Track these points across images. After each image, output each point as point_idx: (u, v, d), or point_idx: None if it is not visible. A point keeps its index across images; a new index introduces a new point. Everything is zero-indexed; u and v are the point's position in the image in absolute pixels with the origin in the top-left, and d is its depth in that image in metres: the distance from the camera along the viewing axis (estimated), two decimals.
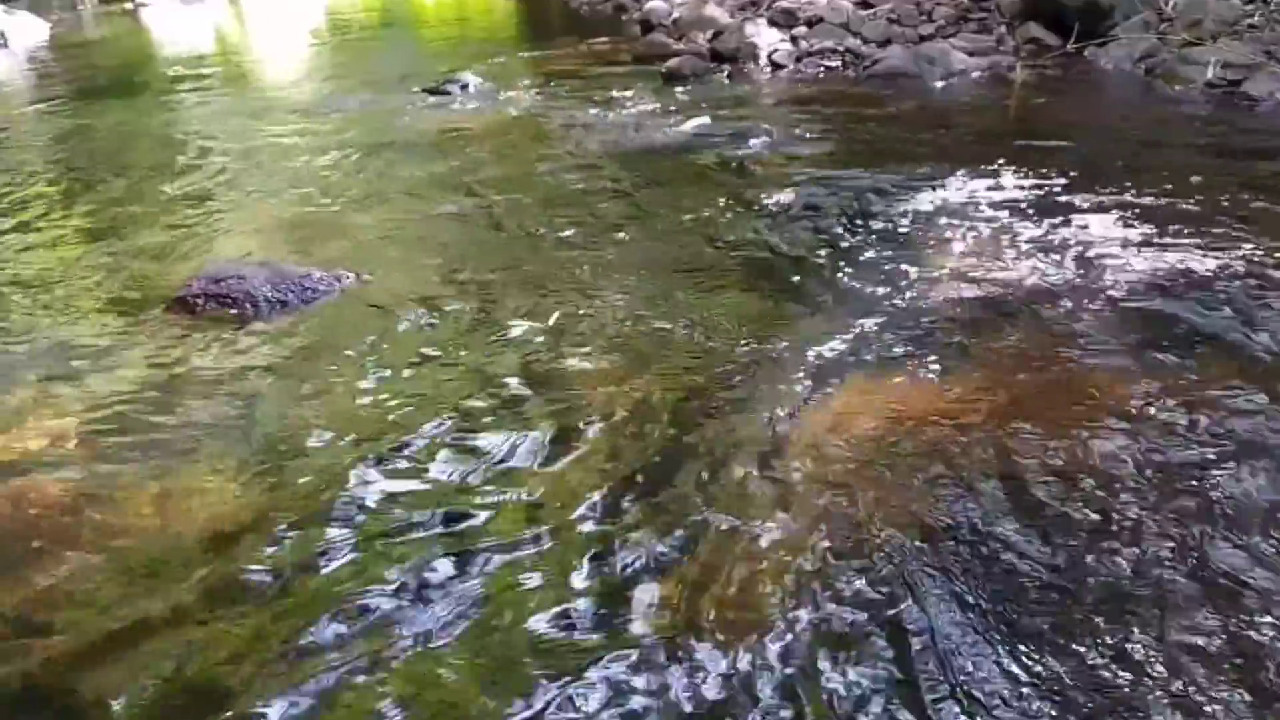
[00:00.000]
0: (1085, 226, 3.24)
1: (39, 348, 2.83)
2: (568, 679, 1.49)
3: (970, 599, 1.61)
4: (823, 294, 2.89)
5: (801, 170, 4.19)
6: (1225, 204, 3.37)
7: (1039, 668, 1.46)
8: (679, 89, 6.11)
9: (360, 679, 1.53)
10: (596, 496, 1.94)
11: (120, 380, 2.57)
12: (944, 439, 2.06)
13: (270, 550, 1.85)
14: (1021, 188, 3.69)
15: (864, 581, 1.67)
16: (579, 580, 1.72)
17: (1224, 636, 1.50)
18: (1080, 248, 3.08)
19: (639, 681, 1.49)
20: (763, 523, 1.83)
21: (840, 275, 3.01)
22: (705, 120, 5.13)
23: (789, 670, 1.50)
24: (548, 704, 1.45)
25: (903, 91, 5.65)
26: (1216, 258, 2.90)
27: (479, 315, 2.88)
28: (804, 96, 5.81)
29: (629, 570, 1.74)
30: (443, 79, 6.49)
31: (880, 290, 2.86)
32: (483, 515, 1.92)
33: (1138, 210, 3.35)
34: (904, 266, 3.02)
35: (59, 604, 1.74)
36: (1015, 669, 1.46)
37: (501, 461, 2.10)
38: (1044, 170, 3.82)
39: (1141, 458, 1.96)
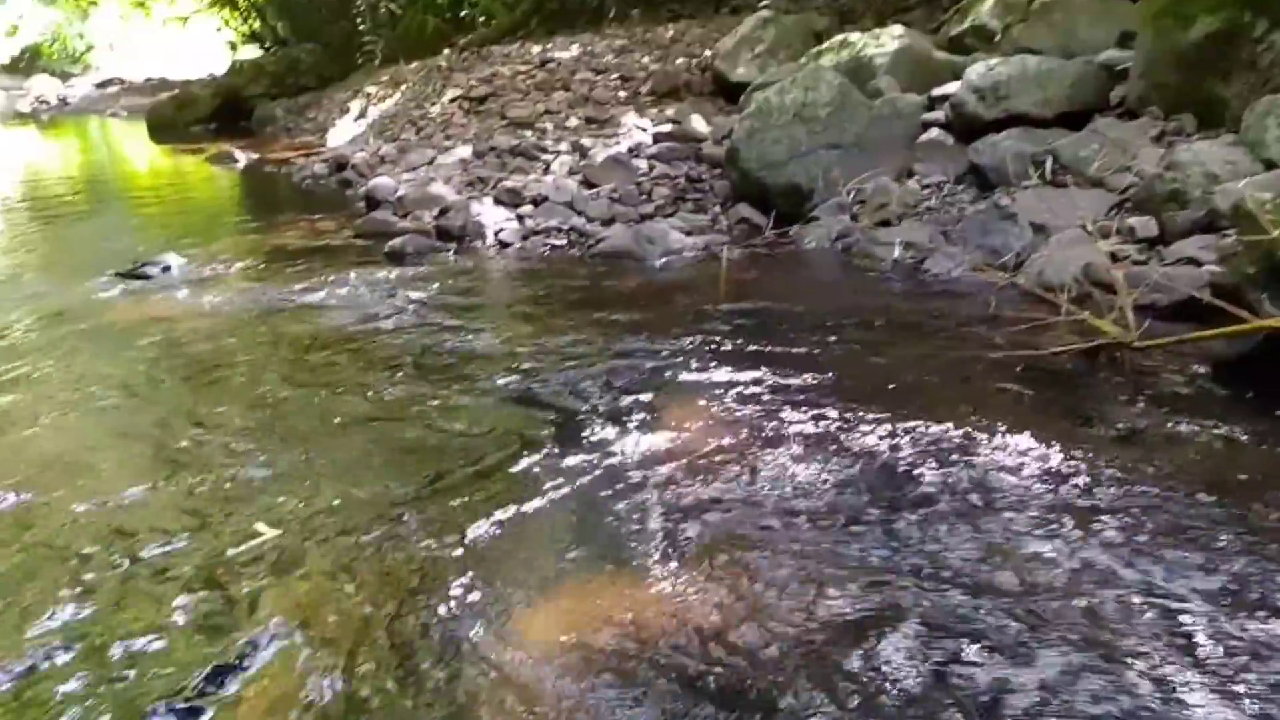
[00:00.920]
0: (774, 400, 3.38)
1: None
2: None
3: None
4: (534, 482, 2.79)
5: (524, 350, 4.12)
6: (896, 375, 3.62)
7: None
8: (401, 269, 5.94)
9: None
10: None
11: None
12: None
13: None
14: (725, 363, 3.79)
15: None
16: None
17: None
18: (768, 421, 3.20)
19: None
20: None
21: (555, 460, 2.94)
22: (425, 300, 4.98)
23: None
24: None
25: (625, 270, 5.74)
26: (881, 426, 3.06)
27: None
28: (529, 275, 5.79)
29: None
30: (142, 261, 5.99)
31: (591, 476, 2.79)
32: None
33: (822, 383, 3.54)
34: (614, 449, 3.00)
35: None
36: None
37: None
38: (745, 345, 3.98)
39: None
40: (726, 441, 3.10)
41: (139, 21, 28.42)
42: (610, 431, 3.22)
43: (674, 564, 2.41)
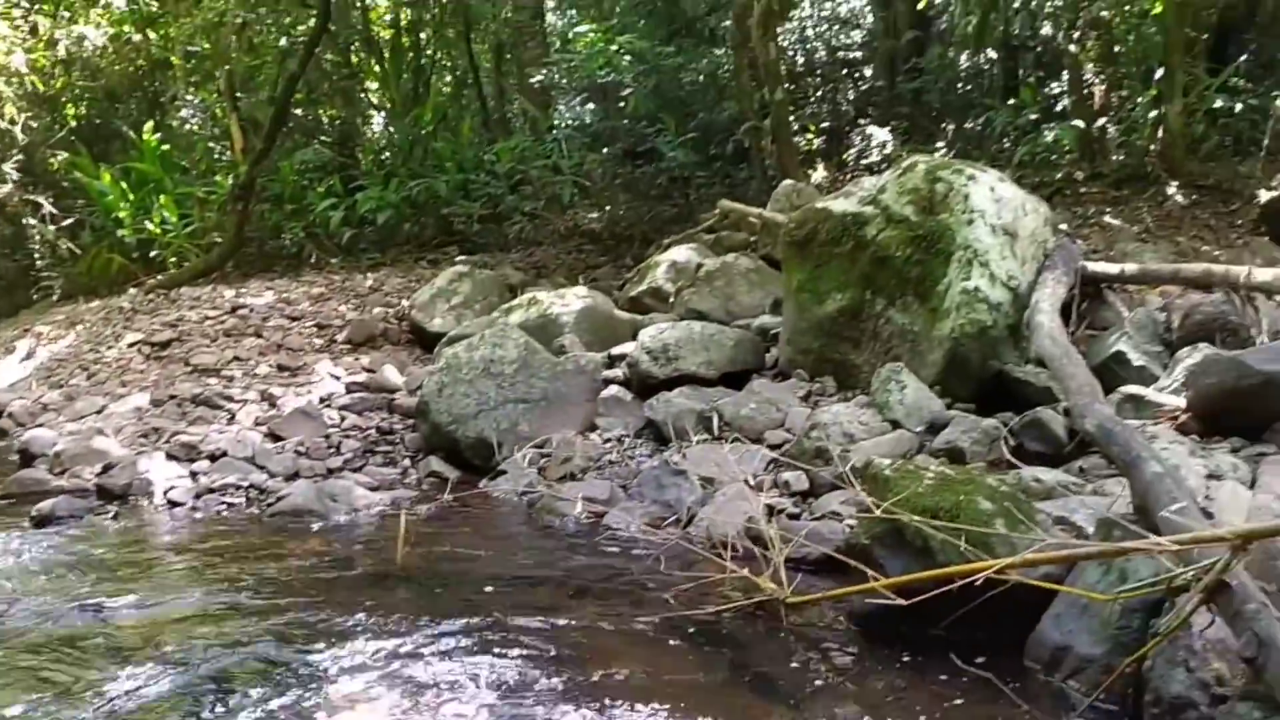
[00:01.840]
0: (442, 685, 3.27)
1: None
2: None
3: None
4: None
5: (167, 635, 3.75)
6: (570, 641, 3.66)
7: None
8: (48, 537, 5.35)
9: None
10: None
11: None
12: None
13: None
14: (394, 636, 3.67)
15: None
16: None
17: None
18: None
19: None
20: None
21: None
22: (64, 573, 4.47)
23: None
24: None
25: (305, 530, 5.49)
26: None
27: None
28: (196, 539, 5.39)
29: None
30: None
31: None
32: None
33: (494, 654, 3.52)
34: None
35: None
36: None
37: None
38: (416, 617, 3.86)
39: None
40: None
41: None
42: None
43: None
